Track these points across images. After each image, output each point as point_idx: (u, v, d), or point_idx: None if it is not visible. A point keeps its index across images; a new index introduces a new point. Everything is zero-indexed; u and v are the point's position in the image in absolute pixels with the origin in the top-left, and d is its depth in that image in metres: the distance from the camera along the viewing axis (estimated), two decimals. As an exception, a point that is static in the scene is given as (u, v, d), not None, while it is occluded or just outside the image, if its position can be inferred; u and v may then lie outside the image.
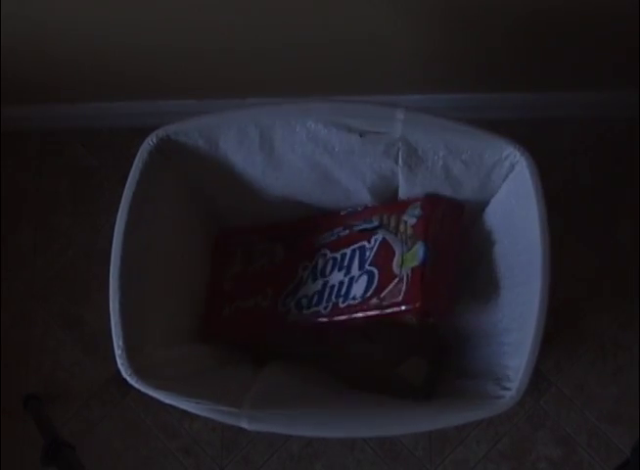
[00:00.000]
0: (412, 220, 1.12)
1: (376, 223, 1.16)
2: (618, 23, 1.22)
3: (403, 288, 1.07)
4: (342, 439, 1.52)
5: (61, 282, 1.65)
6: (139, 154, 1.02)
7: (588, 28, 1.24)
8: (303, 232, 1.24)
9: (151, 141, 1.03)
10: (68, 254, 1.66)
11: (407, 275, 1.08)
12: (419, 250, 1.09)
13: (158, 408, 1.56)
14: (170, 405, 0.96)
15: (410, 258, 1.10)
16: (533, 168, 0.96)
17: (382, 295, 1.09)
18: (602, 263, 1.54)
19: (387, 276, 1.10)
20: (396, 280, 1.09)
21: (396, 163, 1.07)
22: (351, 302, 1.12)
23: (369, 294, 1.11)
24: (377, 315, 1.09)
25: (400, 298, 1.07)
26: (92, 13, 1.21)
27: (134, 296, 0.98)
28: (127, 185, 1.00)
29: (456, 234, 1.12)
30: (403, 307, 1.06)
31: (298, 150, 1.05)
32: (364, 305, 1.11)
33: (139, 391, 0.95)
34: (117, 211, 1.00)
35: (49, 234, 1.66)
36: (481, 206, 1.11)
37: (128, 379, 0.95)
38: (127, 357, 0.95)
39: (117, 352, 0.95)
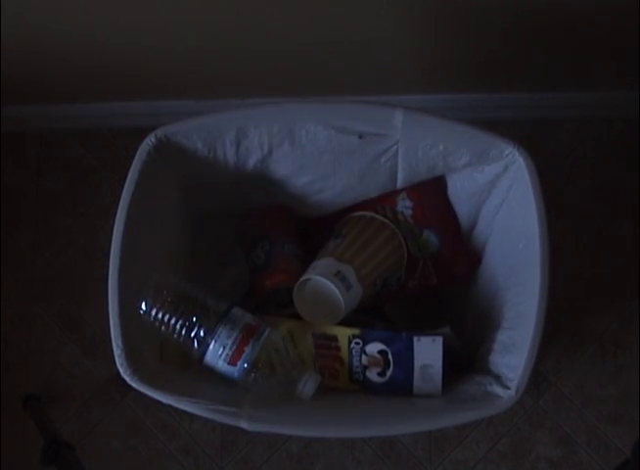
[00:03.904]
0: (408, 211, 1.15)
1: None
2: (618, 22, 1.22)
3: (432, 270, 1.16)
4: (343, 439, 1.52)
5: (61, 282, 1.65)
6: (138, 154, 1.02)
7: (588, 28, 1.24)
8: (308, 232, 1.24)
9: (149, 141, 1.03)
10: (68, 254, 1.66)
11: (431, 260, 1.16)
12: (430, 237, 1.15)
13: (157, 409, 1.56)
14: (170, 406, 0.96)
15: (425, 244, 1.15)
16: (532, 168, 0.96)
17: (415, 277, 1.16)
18: (601, 263, 1.54)
19: (410, 261, 1.16)
20: (421, 263, 1.16)
21: (396, 163, 1.07)
22: (390, 288, 1.17)
23: (402, 279, 1.17)
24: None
25: (435, 280, 1.16)
26: (92, 13, 1.21)
27: (133, 296, 0.98)
28: (126, 185, 1.00)
29: (447, 203, 1.16)
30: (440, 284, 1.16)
31: (297, 151, 1.05)
32: (404, 289, 1.17)
33: (139, 391, 0.95)
34: (117, 211, 0.99)
35: (49, 234, 1.67)
36: (481, 205, 1.11)
37: (128, 380, 0.95)
38: (126, 358, 0.95)
39: (117, 352, 0.95)
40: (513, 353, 0.95)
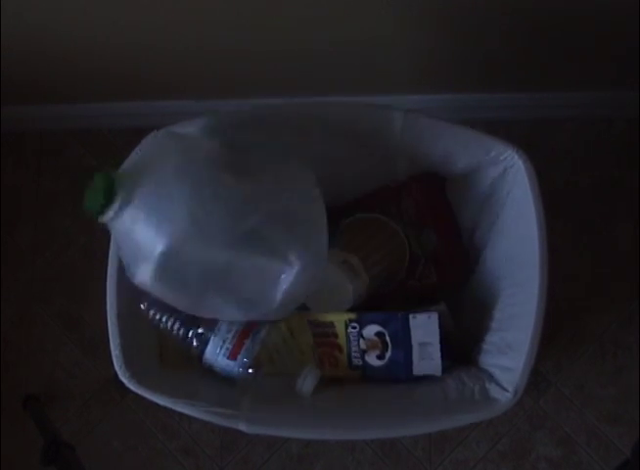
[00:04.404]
0: (410, 208, 1.14)
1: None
2: (618, 22, 1.21)
3: (433, 269, 1.15)
4: (342, 440, 1.52)
5: (61, 282, 1.65)
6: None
7: (588, 28, 1.24)
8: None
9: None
10: (68, 254, 1.66)
11: (431, 258, 1.15)
12: (429, 235, 1.14)
13: (157, 409, 1.53)
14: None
15: (425, 242, 1.15)
16: (531, 170, 0.96)
17: (416, 276, 1.16)
18: (601, 264, 1.54)
19: (412, 259, 1.16)
20: (422, 261, 1.16)
21: (396, 164, 1.07)
22: (391, 286, 1.17)
23: (403, 275, 1.17)
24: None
25: (435, 279, 1.15)
26: (92, 13, 1.21)
27: (132, 297, 0.98)
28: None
29: (446, 200, 1.16)
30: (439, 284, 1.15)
31: (297, 151, 1.05)
32: (404, 287, 1.17)
33: (137, 393, 0.95)
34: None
35: (49, 234, 1.67)
36: (480, 207, 1.11)
37: (125, 382, 0.95)
38: (125, 361, 0.95)
39: (115, 354, 0.95)
40: (511, 355, 0.95)
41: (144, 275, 0.90)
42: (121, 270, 0.97)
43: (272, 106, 1.05)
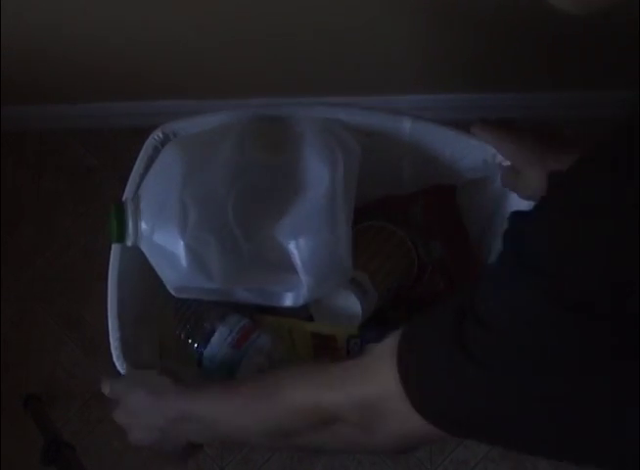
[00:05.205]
0: (418, 216, 1.14)
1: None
2: (618, 22, 1.22)
3: (440, 277, 1.14)
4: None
5: (61, 282, 1.65)
6: (144, 148, 1.01)
7: (587, 28, 1.24)
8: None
9: (156, 136, 1.01)
10: (69, 254, 1.66)
11: (438, 266, 1.14)
12: (436, 245, 1.13)
13: (158, 408, 1.56)
14: (170, 406, 0.96)
15: (433, 251, 1.14)
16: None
17: (423, 283, 1.14)
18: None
19: (420, 266, 1.15)
20: (430, 269, 1.14)
21: (403, 171, 1.07)
22: (400, 291, 1.16)
23: (410, 283, 1.16)
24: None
25: (441, 286, 1.14)
26: (92, 13, 1.21)
27: (133, 294, 0.98)
28: (130, 181, 0.99)
29: (455, 211, 1.15)
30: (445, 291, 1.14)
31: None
32: (412, 293, 1.15)
33: (138, 391, 0.95)
34: (117, 211, 0.99)
35: (49, 234, 1.67)
36: (489, 213, 1.11)
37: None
38: (125, 359, 0.95)
39: (115, 353, 0.95)
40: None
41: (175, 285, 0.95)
42: (123, 264, 0.97)
43: (276, 107, 1.04)
